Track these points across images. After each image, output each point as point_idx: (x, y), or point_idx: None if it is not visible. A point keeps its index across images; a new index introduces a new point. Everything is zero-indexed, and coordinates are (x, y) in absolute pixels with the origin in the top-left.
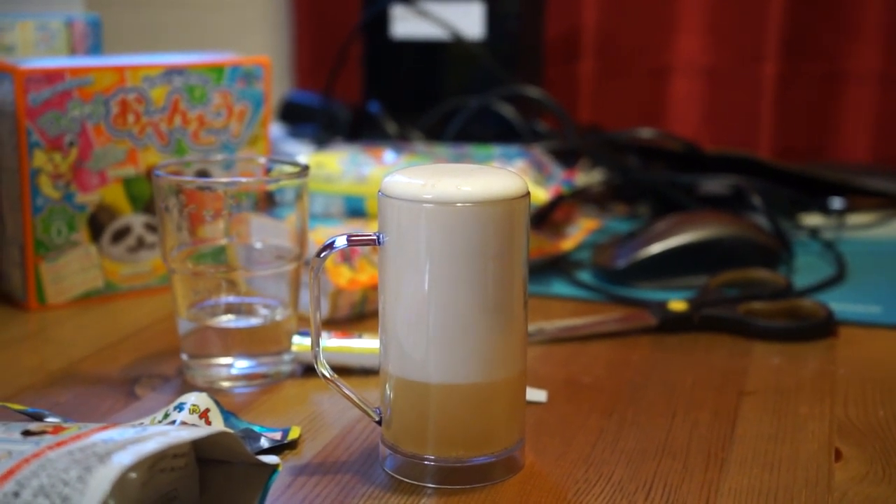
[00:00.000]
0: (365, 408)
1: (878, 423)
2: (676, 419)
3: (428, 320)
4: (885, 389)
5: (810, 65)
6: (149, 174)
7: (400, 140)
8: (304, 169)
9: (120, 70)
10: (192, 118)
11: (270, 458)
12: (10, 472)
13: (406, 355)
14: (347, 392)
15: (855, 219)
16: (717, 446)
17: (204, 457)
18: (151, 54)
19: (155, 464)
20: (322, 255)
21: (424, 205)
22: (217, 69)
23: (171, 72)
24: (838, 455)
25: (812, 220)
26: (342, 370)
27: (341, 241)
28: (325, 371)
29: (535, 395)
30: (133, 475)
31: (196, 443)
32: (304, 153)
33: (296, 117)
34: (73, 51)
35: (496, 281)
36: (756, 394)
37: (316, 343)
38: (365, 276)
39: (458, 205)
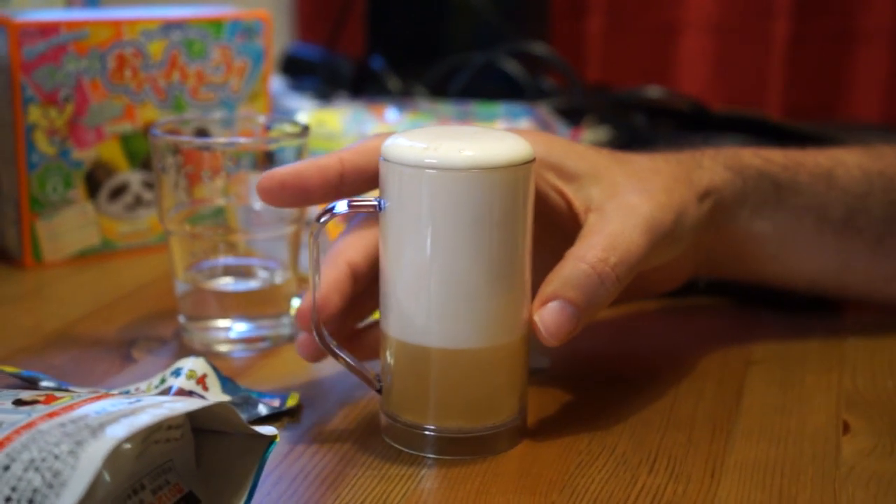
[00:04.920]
0: (366, 374)
1: (887, 394)
2: (681, 389)
3: (429, 286)
4: (894, 359)
5: (822, 23)
6: (146, 131)
7: (403, 96)
8: (304, 129)
9: (117, 24)
10: (191, 73)
11: (268, 429)
12: (1, 445)
13: (407, 320)
14: (347, 359)
15: None
16: (723, 417)
17: (200, 427)
18: (149, 7)
19: (149, 435)
20: (322, 220)
21: (427, 170)
22: (216, 24)
23: (170, 26)
24: (846, 428)
25: None
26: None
27: (342, 207)
28: (325, 338)
29: (538, 360)
30: (127, 446)
31: (191, 413)
32: (305, 108)
33: (297, 70)
34: (69, 2)
35: (499, 247)
36: (762, 363)
37: (315, 308)
38: None
39: (462, 171)
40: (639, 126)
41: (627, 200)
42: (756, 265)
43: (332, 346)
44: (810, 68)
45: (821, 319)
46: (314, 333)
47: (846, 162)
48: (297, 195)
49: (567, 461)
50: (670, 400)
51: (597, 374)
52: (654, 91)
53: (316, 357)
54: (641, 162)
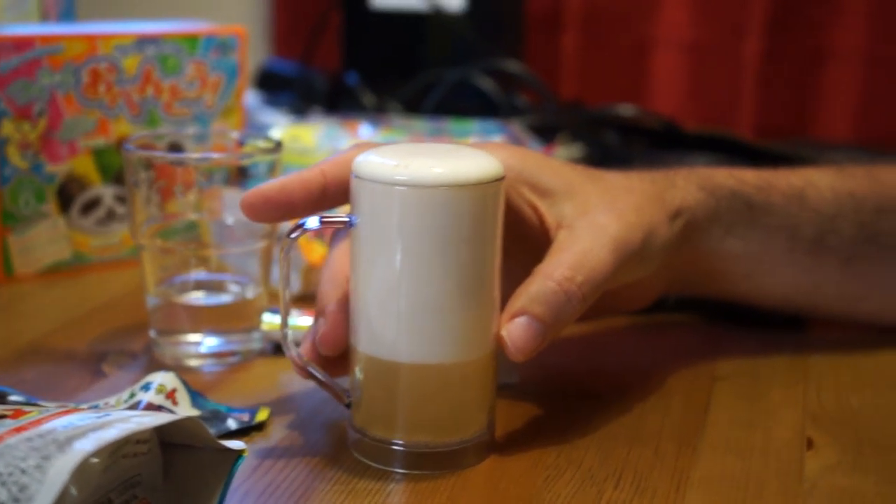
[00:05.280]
0: (335, 389)
1: (851, 411)
2: (648, 404)
3: (399, 301)
4: (859, 376)
5: (794, 41)
6: (119, 145)
7: (377, 112)
8: (278, 145)
9: (91, 38)
10: (165, 88)
11: (236, 444)
12: None
13: (377, 335)
14: (317, 374)
15: None
16: (689, 432)
17: (168, 441)
18: (124, 22)
19: (117, 450)
20: (293, 235)
21: (397, 187)
22: (191, 39)
23: (144, 41)
24: (810, 443)
25: None
26: None
27: (313, 223)
28: (294, 352)
29: (507, 375)
30: (95, 461)
31: (160, 428)
32: (280, 123)
33: (273, 86)
34: (44, 16)
35: (469, 264)
36: (729, 379)
37: (284, 323)
38: None
39: (432, 188)
40: (611, 144)
41: (597, 219)
42: (728, 283)
43: (300, 361)
44: (782, 87)
45: (787, 336)
46: (284, 348)
47: (818, 183)
48: (281, 210)
49: (534, 476)
50: (637, 415)
51: (565, 390)
52: (626, 109)
53: (335, 350)
54: (615, 180)
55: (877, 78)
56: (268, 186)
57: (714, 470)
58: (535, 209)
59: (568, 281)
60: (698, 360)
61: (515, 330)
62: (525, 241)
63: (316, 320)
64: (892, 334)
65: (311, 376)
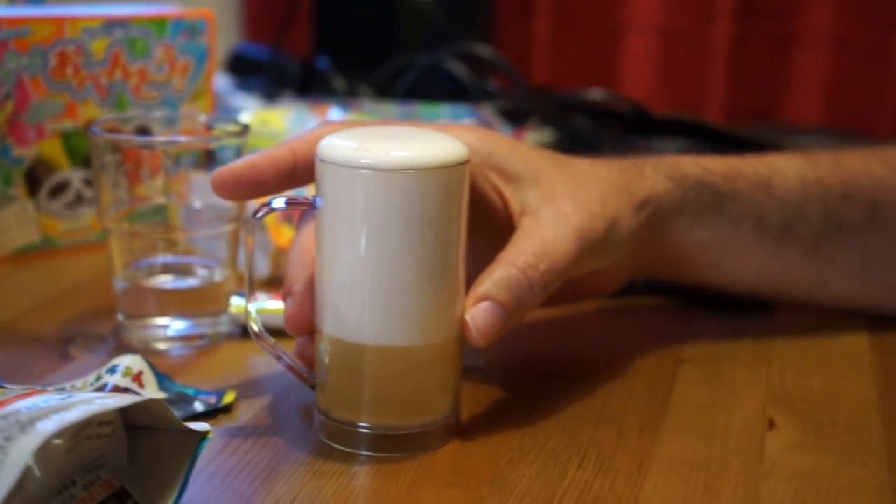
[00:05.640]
0: (300, 371)
1: (813, 391)
2: (614, 386)
3: (364, 284)
4: (821, 358)
5: (763, 26)
6: (88, 129)
7: (348, 97)
8: (245, 128)
9: (59, 21)
10: (133, 72)
11: (200, 425)
12: None
13: (341, 317)
14: (281, 354)
15: None
16: (653, 414)
17: (132, 423)
18: (92, 5)
19: (80, 431)
20: (258, 215)
21: (361, 170)
22: (160, 22)
23: (112, 24)
24: (771, 424)
25: None
26: (280, 333)
27: (279, 203)
28: (256, 327)
29: (473, 359)
30: (58, 442)
31: (124, 410)
32: (251, 107)
33: (244, 70)
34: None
35: (433, 247)
36: (694, 361)
37: (249, 300)
38: None
39: (396, 171)
40: (582, 128)
41: (561, 208)
42: (696, 270)
43: (268, 341)
44: (752, 71)
45: (752, 319)
46: (248, 324)
47: (785, 171)
48: (252, 187)
49: (498, 457)
50: (602, 397)
51: (531, 372)
52: (596, 93)
53: (302, 330)
54: (582, 168)
55: (845, 63)
56: (238, 165)
57: (676, 450)
58: (500, 194)
59: (531, 268)
60: (664, 342)
61: (479, 315)
62: (490, 225)
63: (284, 301)
64: (854, 317)
65: (276, 355)
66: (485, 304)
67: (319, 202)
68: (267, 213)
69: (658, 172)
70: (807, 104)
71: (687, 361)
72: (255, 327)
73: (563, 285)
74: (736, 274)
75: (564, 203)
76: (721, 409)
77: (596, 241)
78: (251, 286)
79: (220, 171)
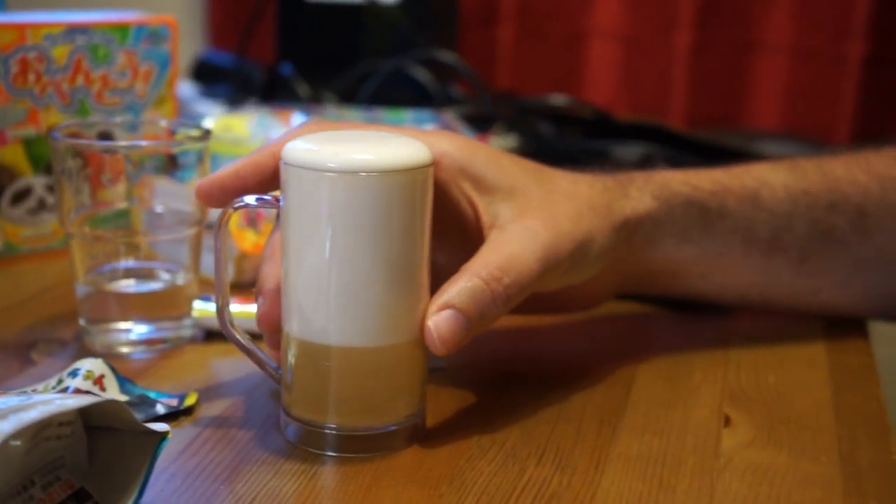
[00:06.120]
0: (267, 366)
1: (769, 389)
2: (573, 385)
3: (329, 286)
4: (777, 357)
5: (723, 34)
6: (50, 135)
7: (312, 103)
8: (206, 133)
9: (20, 28)
10: (96, 78)
11: (160, 426)
12: None
13: (307, 319)
14: (251, 348)
15: None
16: (611, 412)
17: (92, 424)
18: (54, 12)
19: (39, 432)
20: (235, 206)
21: (326, 173)
22: (122, 28)
23: (74, 30)
24: (727, 421)
25: None
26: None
27: (250, 199)
28: (230, 327)
29: (437, 360)
30: (16, 443)
31: (83, 410)
32: (215, 114)
33: (209, 77)
34: None
35: (398, 249)
36: (652, 361)
37: (222, 295)
38: None
39: (361, 174)
40: (545, 134)
41: (531, 224)
42: (684, 283)
43: (236, 335)
44: (712, 78)
45: (711, 319)
46: (220, 320)
47: (772, 182)
48: (238, 195)
49: (458, 455)
50: (561, 396)
51: (492, 373)
52: (559, 99)
53: (274, 329)
54: (563, 184)
55: (803, 70)
56: (222, 174)
57: (633, 447)
58: (472, 205)
59: (495, 281)
60: (623, 343)
61: (442, 322)
62: (462, 233)
63: (256, 300)
64: (809, 318)
65: (244, 349)
66: (447, 312)
67: (282, 202)
68: (241, 207)
69: (643, 193)
70: (766, 110)
71: (645, 362)
72: (229, 322)
73: (543, 298)
74: (724, 286)
75: (535, 219)
76: (678, 407)
77: (563, 260)
78: (223, 278)
79: (206, 181)
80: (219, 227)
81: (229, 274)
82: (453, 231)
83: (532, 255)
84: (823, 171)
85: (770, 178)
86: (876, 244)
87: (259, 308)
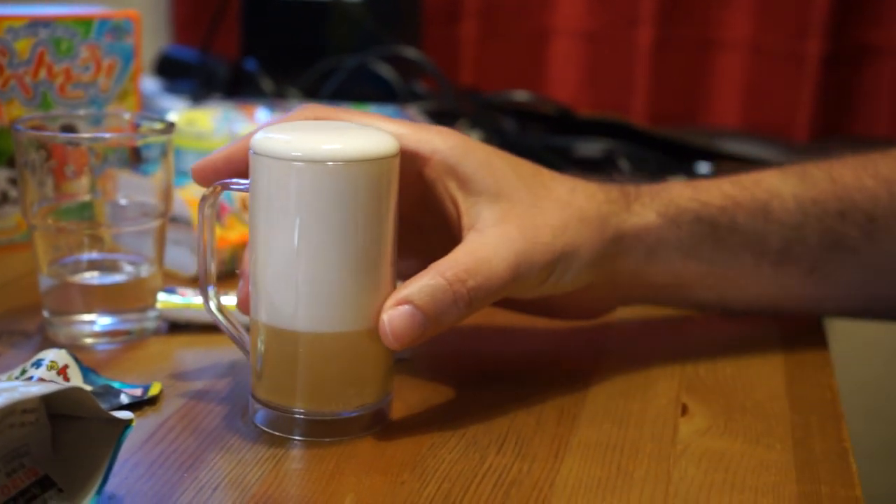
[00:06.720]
0: (244, 345)
1: (726, 379)
2: (534, 377)
3: (296, 273)
4: (734, 347)
5: (683, 31)
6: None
7: (276, 98)
8: (170, 126)
9: None
10: (59, 72)
11: (124, 414)
12: None
13: (276, 306)
14: (230, 328)
15: None
16: (571, 402)
17: (56, 412)
18: (16, 5)
19: (3, 419)
20: (216, 190)
21: (294, 163)
22: (85, 22)
23: (37, 23)
24: (685, 410)
25: None
26: (206, 329)
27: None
28: (212, 305)
29: (401, 351)
30: None
31: (47, 398)
32: (178, 109)
33: (173, 72)
34: None
35: (365, 237)
36: (612, 352)
37: (205, 272)
38: (234, 234)
39: (328, 163)
40: (508, 130)
41: (508, 231)
42: (689, 294)
43: (217, 313)
44: (673, 75)
45: (670, 310)
46: (203, 300)
47: (781, 193)
48: (229, 177)
49: (420, 443)
50: (523, 386)
51: (456, 364)
52: (521, 95)
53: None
54: (559, 191)
55: (762, 68)
56: (216, 157)
57: (592, 436)
58: (455, 206)
59: (459, 282)
60: (583, 335)
61: (396, 317)
62: (446, 232)
63: (239, 282)
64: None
65: (223, 326)
66: (404, 308)
67: (250, 191)
68: (221, 191)
69: (648, 209)
70: (726, 108)
71: (606, 353)
72: (209, 298)
73: (533, 303)
74: (732, 297)
75: (514, 226)
76: (637, 398)
77: (537, 269)
78: (206, 256)
79: (201, 163)
80: (204, 201)
81: (193, 268)
82: (438, 229)
83: (503, 261)
84: (832, 178)
85: (780, 189)
86: (885, 249)
87: (240, 291)
